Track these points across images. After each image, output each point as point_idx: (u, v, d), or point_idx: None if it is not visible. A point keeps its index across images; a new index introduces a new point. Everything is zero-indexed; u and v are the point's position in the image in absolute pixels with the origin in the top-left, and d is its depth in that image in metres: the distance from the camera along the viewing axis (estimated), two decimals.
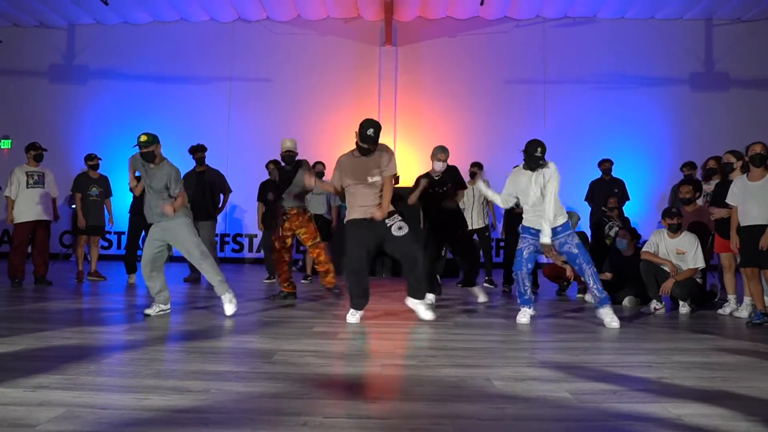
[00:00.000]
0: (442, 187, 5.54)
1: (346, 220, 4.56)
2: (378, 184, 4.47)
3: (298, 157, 5.85)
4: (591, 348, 3.64)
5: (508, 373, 2.92)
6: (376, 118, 11.41)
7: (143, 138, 4.53)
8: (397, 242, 4.44)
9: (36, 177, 6.58)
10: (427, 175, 5.62)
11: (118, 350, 3.36)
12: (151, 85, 11.82)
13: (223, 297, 4.69)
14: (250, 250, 11.48)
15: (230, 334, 3.93)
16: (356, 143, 4.45)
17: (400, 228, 4.44)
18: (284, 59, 11.72)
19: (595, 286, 4.53)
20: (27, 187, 6.49)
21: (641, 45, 11.58)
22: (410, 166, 10.06)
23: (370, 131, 4.34)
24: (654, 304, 5.32)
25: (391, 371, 2.95)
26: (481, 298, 5.86)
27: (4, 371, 2.75)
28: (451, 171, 5.60)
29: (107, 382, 2.60)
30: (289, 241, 5.77)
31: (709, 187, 6.55)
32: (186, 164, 8.27)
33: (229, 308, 4.66)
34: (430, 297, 5.42)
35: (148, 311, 4.62)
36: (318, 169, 7.95)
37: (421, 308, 4.60)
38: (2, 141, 11.81)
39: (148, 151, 4.55)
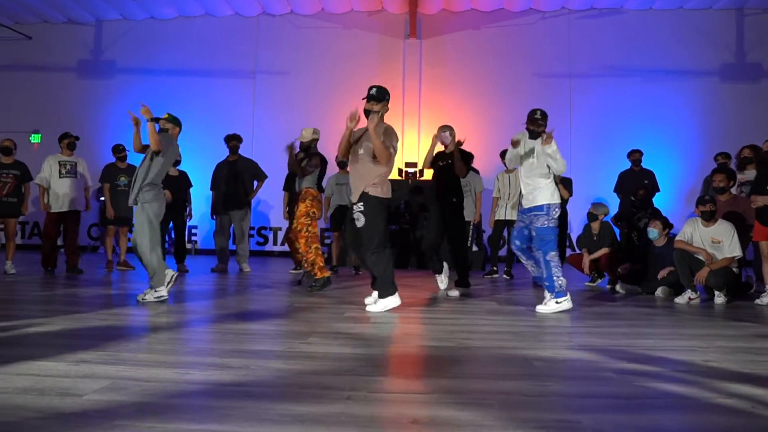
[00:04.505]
0: (447, 160, 5.55)
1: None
2: (365, 158, 4.33)
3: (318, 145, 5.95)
4: (630, 333, 3.57)
5: (548, 355, 2.87)
6: (400, 112, 11.50)
7: (167, 115, 4.77)
8: (353, 232, 4.40)
9: (69, 166, 6.67)
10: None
11: (155, 331, 3.37)
12: (176, 79, 11.92)
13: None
14: (275, 243, 11.52)
15: (262, 318, 3.93)
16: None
17: (356, 219, 4.30)
18: (308, 53, 11.74)
19: (546, 277, 4.43)
20: (60, 177, 6.58)
21: (669, 36, 11.36)
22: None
23: (373, 90, 4.33)
24: (689, 293, 5.21)
25: (430, 352, 2.92)
26: (446, 288, 5.64)
27: (48, 347, 2.78)
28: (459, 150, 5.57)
29: (148, 359, 2.61)
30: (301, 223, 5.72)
31: (743, 177, 6.41)
32: (213, 156, 8.35)
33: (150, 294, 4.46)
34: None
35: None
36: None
37: (370, 300, 4.48)
38: (32, 135, 11.99)
39: (164, 129, 4.71)
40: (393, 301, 4.28)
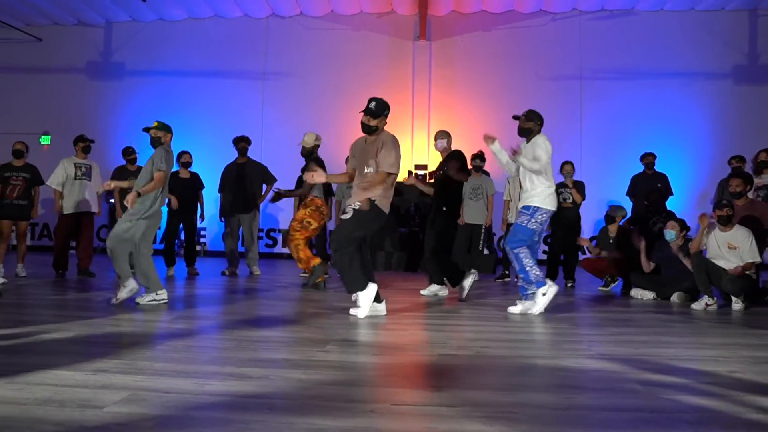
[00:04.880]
0: (442, 168, 5.56)
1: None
2: (370, 177, 4.20)
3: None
4: (650, 342, 3.52)
5: (570, 364, 2.82)
6: (410, 114, 11.48)
7: (156, 123, 4.71)
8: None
9: (84, 169, 6.67)
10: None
11: (170, 338, 3.34)
12: (185, 81, 11.92)
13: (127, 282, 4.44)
14: (284, 245, 11.49)
15: (277, 324, 3.90)
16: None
17: (346, 212, 4.17)
18: (318, 55, 11.71)
19: (520, 270, 4.48)
20: (75, 179, 6.57)
21: (681, 38, 11.26)
22: None
23: (372, 104, 4.22)
24: (706, 299, 5.14)
25: (449, 360, 2.88)
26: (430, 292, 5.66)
27: (63, 355, 2.76)
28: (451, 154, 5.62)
29: (165, 368, 2.57)
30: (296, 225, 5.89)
31: (760, 181, 6.34)
32: (221, 158, 8.33)
33: (122, 293, 4.40)
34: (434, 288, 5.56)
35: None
36: None
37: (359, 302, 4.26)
38: (42, 137, 12.02)
39: (156, 138, 4.66)
40: (370, 293, 4.11)
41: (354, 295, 4.17)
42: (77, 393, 2.14)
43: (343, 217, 4.17)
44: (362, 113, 4.25)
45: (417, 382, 2.48)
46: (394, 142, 4.25)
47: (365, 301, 4.08)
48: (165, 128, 4.74)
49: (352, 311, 4.18)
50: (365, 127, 4.29)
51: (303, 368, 2.63)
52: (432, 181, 5.81)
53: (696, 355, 3.14)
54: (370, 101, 4.27)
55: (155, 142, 4.68)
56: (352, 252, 4.09)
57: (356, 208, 4.10)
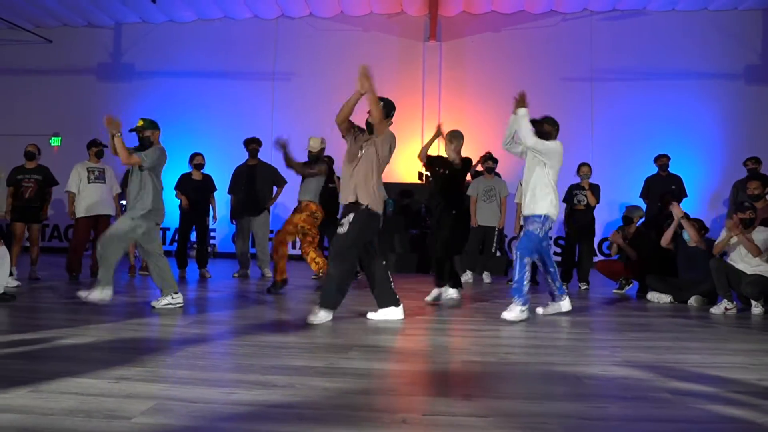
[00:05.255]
0: (447, 168, 5.40)
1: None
2: (364, 164, 4.14)
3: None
4: (673, 347, 3.47)
5: (597, 372, 2.78)
6: (419, 116, 11.43)
7: (141, 121, 4.56)
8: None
9: (97, 173, 6.65)
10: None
11: (188, 343, 3.31)
12: (195, 82, 11.91)
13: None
14: (294, 246, 11.43)
15: (295, 329, 3.86)
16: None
17: (341, 225, 4.10)
18: (327, 56, 11.68)
19: (517, 279, 4.40)
20: (89, 183, 6.56)
21: (693, 38, 11.17)
22: None
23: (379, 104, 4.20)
24: (725, 303, 5.08)
25: (474, 368, 2.84)
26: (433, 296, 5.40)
27: (83, 362, 2.74)
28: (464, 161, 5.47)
29: (189, 376, 2.54)
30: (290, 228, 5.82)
31: None
32: (231, 159, 8.30)
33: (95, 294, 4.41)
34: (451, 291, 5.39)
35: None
36: None
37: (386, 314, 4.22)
38: (52, 138, 12.04)
39: (145, 137, 4.56)
40: (326, 316, 4.05)
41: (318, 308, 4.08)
42: (103, 402, 2.11)
43: (339, 231, 4.09)
44: (368, 113, 4.21)
45: (445, 391, 2.44)
46: (392, 135, 4.29)
47: (321, 317, 4.00)
48: (153, 125, 4.61)
49: (369, 315, 4.22)
50: (370, 127, 4.23)
51: (327, 375, 2.59)
52: (430, 179, 5.63)
53: (721, 362, 3.09)
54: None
55: (145, 142, 4.56)
56: (347, 268, 4.08)
57: (351, 221, 4.06)
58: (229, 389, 2.34)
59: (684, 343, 3.66)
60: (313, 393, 2.31)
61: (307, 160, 6.07)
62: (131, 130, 4.56)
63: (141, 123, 4.53)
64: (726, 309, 5.05)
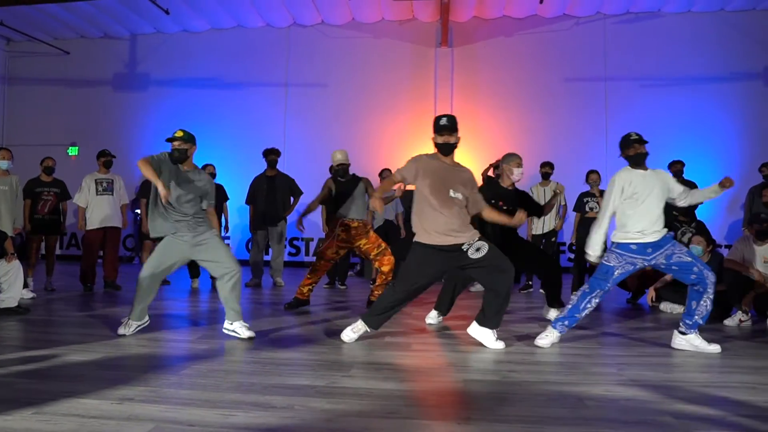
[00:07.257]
0: (509, 201, 4.75)
1: (419, 240, 3.85)
2: (459, 203, 3.86)
3: (351, 166, 5.76)
4: (682, 365, 3.42)
5: (600, 392, 2.75)
6: (432, 122, 11.36)
7: (180, 133, 4.02)
8: (477, 268, 3.82)
9: (105, 184, 6.74)
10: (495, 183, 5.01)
11: (195, 360, 3.34)
12: (209, 91, 12.03)
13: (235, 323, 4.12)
14: (307, 253, 11.52)
15: (301, 343, 3.87)
16: (435, 144, 3.93)
17: (477, 249, 3.79)
18: (339, 63, 11.72)
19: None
20: (97, 194, 6.65)
21: (709, 39, 11.02)
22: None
23: (443, 120, 3.87)
24: (739, 315, 5.00)
25: (475, 387, 2.83)
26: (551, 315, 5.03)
27: (89, 381, 2.77)
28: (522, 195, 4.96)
29: (190, 396, 2.57)
30: (342, 252, 5.62)
31: None
32: (244, 167, 8.39)
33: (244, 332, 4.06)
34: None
35: (124, 330, 4.03)
36: (385, 176, 7.91)
37: (491, 337, 3.88)
38: (70, 148, 12.25)
39: (183, 149, 4.04)
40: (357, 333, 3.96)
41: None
42: (103, 425, 2.14)
43: (477, 256, 3.77)
44: (439, 134, 3.88)
45: (446, 413, 2.43)
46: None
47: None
48: (191, 139, 4.11)
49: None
50: (449, 147, 3.90)
51: (328, 396, 2.60)
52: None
53: (731, 381, 3.04)
54: (438, 119, 3.89)
55: (181, 155, 4.03)
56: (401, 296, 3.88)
57: (479, 239, 3.82)
58: (229, 410, 2.36)
59: (692, 359, 3.61)
60: (311, 416, 2.32)
61: (335, 173, 5.78)
62: (168, 140, 4.07)
63: (181, 134, 4.06)
64: (740, 321, 4.96)
